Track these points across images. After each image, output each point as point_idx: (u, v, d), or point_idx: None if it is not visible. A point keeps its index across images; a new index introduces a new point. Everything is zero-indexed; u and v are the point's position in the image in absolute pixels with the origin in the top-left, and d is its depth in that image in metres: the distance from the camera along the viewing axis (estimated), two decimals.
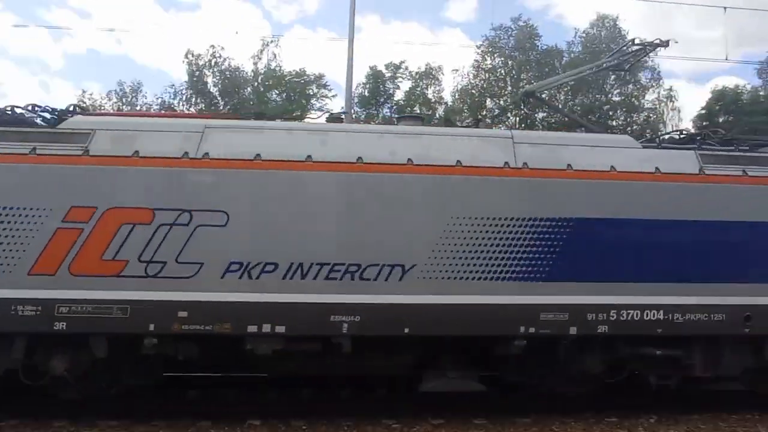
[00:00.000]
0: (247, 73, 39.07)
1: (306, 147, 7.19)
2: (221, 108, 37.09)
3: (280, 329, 6.69)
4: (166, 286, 6.44)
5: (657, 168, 7.57)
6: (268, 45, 38.31)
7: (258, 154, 7.00)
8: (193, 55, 38.42)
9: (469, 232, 7.05)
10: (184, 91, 38.62)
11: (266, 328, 6.66)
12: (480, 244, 7.04)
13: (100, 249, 6.62)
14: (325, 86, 38.98)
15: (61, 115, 7.58)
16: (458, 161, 7.15)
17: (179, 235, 6.68)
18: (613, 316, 7.19)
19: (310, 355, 7.16)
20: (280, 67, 38.84)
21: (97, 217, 6.72)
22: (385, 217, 7.04)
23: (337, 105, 44.03)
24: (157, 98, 38.91)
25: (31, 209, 6.63)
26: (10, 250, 6.44)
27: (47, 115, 7.59)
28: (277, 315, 6.69)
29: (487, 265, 7.03)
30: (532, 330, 7.03)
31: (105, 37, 78.41)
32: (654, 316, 7.29)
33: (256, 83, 39.18)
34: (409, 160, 7.22)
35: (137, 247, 6.63)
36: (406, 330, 6.87)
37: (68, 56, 79.13)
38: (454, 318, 6.92)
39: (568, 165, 7.44)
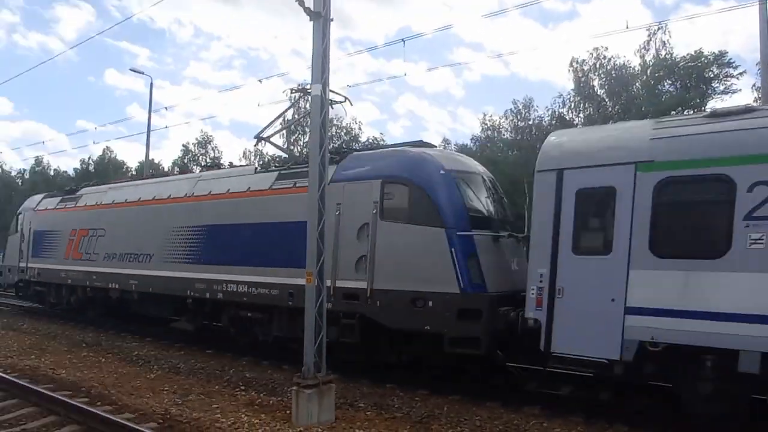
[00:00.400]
0: (634, 68, 36.86)
1: (128, 195, 15.14)
2: (609, 110, 35.33)
3: (115, 286, 14.74)
4: (91, 265, 15.65)
5: (249, 187, 11.69)
6: (654, 33, 35.20)
7: (113, 200, 15.52)
8: (577, 62, 38.17)
9: (174, 235, 13.08)
10: (571, 99, 38.91)
11: (113, 285, 14.79)
12: (177, 242, 12.98)
13: (78, 247, 16.23)
14: (728, 64, 33.21)
15: (79, 187, 18.49)
16: (169, 195, 13.56)
17: (94, 241, 15.75)
18: (224, 288, 11.63)
19: (129, 300, 14.84)
20: (671, 54, 35.14)
21: (77, 233, 16.50)
22: (145, 228, 13.95)
23: (746, 84, 36.19)
24: (548, 110, 40.20)
25: (61, 231, 17.41)
26: (58, 248, 17.25)
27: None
28: (115, 279, 14.69)
29: (178, 255, 12.92)
30: (193, 294, 12.38)
31: (495, 64, 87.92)
32: (242, 289, 11.30)
33: (644, 77, 36.01)
34: (154, 197, 14.02)
35: (85, 246, 15.99)
36: (150, 289, 13.59)
37: (468, 86, 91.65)
38: (167, 284, 13.05)
39: (210, 191, 12.58)
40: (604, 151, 7.74)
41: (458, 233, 8.78)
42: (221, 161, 59.82)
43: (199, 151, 62.04)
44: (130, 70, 47.98)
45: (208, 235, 12.28)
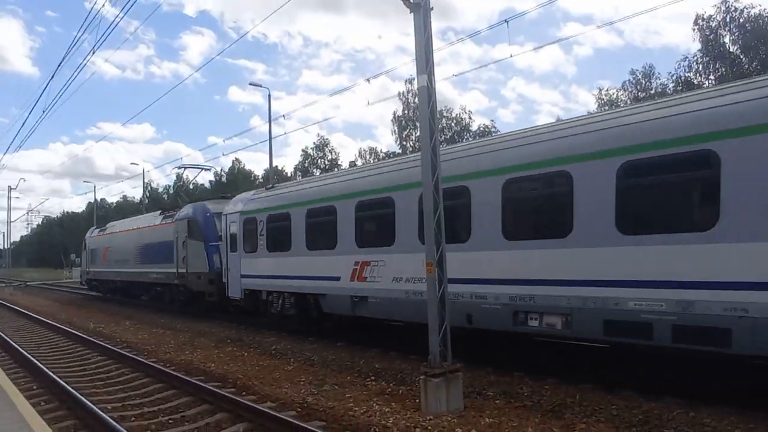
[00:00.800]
0: None
1: (120, 227, 29.38)
2: (746, 67, 33.12)
3: (119, 279, 28.11)
4: (110, 267, 29.42)
5: (154, 222, 24.36)
6: None
7: (115, 230, 29.95)
8: (703, 19, 35.65)
9: (134, 249, 25.59)
10: (699, 60, 36.53)
11: (118, 278, 28.13)
12: (136, 253, 25.46)
13: (105, 258, 29.94)
14: None
15: (107, 222, 34.63)
16: (132, 228, 27.10)
17: (110, 253, 29.30)
18: (148, 275, 23.86)
19: (128, 288, 27.86)
20: None
21: (106, 249, 29.97)
22: (126, 246, 26.60)
23: None
24: (671, 76, 38.21)
25: (100, 248, 31.39)
26: (99, 258, 31.46)
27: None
28: (118, 275, 27.79)
29: (136, 260, 25.49)
30: (140, 280, 25.16)
31: (607, 35, 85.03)
32: (154, 276, 23.35)
33: None
34: (128, 228, 27.53)
35: (108, 257, 29.64)
36: (130, 279, 26.41)
37: (579, 62, 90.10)
38: (134, 276, 25.71)
39: (146, 225, 25.29)
40: (236, 206, 17.17)
41: (210, 244, 18.88)
42: (339, 163, 62.19)
43: (317, 154, 64.71)
44: (250, 84, 51.56)
45: (144, 248, 24.53)
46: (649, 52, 74.34)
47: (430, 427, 6.86)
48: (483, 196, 9.30)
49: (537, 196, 8.93)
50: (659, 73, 40.82)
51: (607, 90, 44.61)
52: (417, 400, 7.81)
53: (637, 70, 41.29)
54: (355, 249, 11.89)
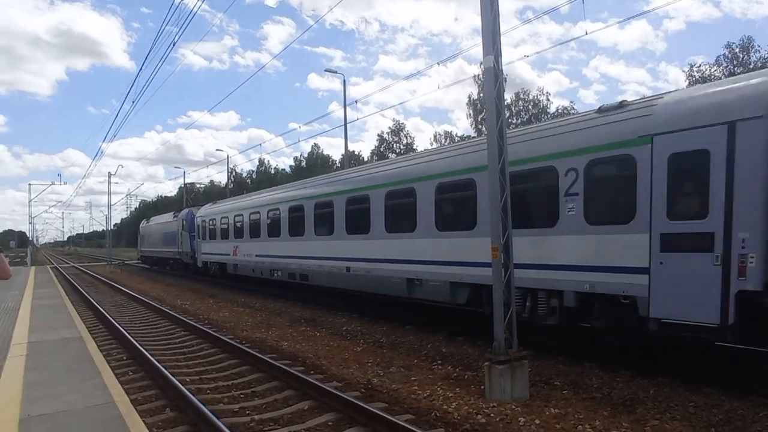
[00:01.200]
0: None
1: (156, 220, 44.62)
2: None
3: (155, 255, 42.35)
4: (152, 247, 43.99)
5: (169, 219, 38.51)
6: None
7: (156, 223, 43.79)
8: None
9: (161, 235, 39.75)
10: None
11: (156, 255, 42.15)
12: (162, 239, 39.40)
13: (150, 241, 44.88)
14: None
15: (150, 218, 50.72)
16: (159, 222, 42.40)
17: (152, 238, 43.72)
18: (165, 254, 39.01)
19: (162, 261, 40.74)
20: None
21: (149, 235, 44.90)
22: (158, 234, 40.98)
23: None
24: None
25: (146, 235, 47.54)
26: (147, 241, 47.06)
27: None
28: (156, 252, 41.86)
29: (163, 243, 39.10)
30: (163, 256, 39.66)
31: (700, 5, 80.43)
32: (168, 255, 37.88)
33: None
34: (158, 222, 42.76)
35: (150, 240, 44.23)
36: (161, 256, 40.66)
37: (669, 38, 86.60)
38: (160, 254, 40.52)
39: (167, 220, 39.18)
40: (200, 212, 29.88)
41: (191, 234, 31.26)
42: (414, 147, 62.11)
43: (393, 139, 64.91)
44: (325, 71, 52.30)
45: (164, 235, 37.86)
46: (749, 23, 68.38)
47: (492, 414, 6.77)
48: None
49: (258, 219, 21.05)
50: (759, 46, 37.56)
51: (699, 66, 41.57)
52: (482, 387, 7.73)
53: (733, 43, 38.19)
54: (234, 239, 23.34)
